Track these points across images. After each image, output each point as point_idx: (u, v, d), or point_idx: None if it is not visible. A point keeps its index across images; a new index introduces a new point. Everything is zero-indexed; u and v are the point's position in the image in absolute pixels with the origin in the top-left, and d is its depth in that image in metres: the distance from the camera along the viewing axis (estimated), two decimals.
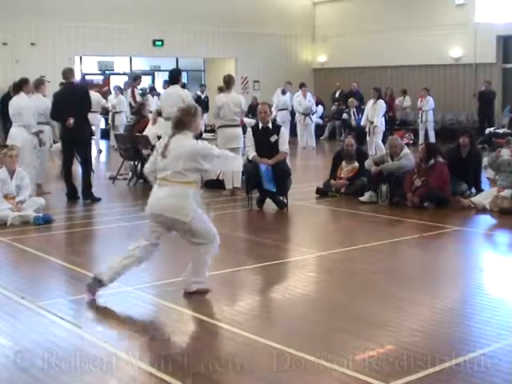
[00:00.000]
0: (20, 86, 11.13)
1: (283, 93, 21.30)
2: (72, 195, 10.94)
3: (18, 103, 10.95)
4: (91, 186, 10.98)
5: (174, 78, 11.70)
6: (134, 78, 19.94)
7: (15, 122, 11.00)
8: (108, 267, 5.78)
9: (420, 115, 20.26)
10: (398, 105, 22.21)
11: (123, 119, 18.13)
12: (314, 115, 21.17)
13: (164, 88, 18.86)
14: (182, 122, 5.75)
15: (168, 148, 5.71)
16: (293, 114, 20.79)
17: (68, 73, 11.09)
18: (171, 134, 5.82)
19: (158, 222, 5.76)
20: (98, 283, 5.72)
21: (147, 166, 6.00)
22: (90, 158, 11.36)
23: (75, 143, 10.86)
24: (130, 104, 18.70)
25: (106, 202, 10.86)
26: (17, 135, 10.87)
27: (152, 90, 20.56)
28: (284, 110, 20.41)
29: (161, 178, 5.72)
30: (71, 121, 10.53)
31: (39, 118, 11.15)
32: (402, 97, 22.39)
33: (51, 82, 12.31)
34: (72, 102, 10.62)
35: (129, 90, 19.37)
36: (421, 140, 18.91)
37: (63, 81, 11.21)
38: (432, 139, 19.02)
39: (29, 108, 10.84)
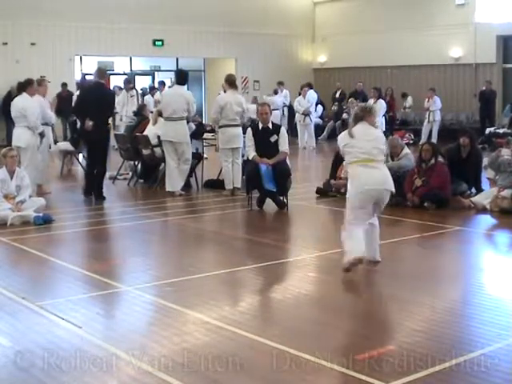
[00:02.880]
0: (24, 86, 11.08)
1: (275, 93, 21.33)
2: (89, 192, 11.04)
3: (21, 104, 10.88)
4: (102, 187, 11.09)
5: (182, 78, 11.67)
6: (126, 82, 19.82)
7: (18, 123, 10.91)
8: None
9: (427, 115, 20.24)
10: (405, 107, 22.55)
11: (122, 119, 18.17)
12: (313, 115, 21.16)
13: (160, 89, 18.85)
14: (359, 116, 6.65)
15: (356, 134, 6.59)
16: (293, 114, 20.80)
17: (101, 72, 11.29)
18: (353, 124, 6.70)
19: (370, 196, 6.51)
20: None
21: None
22: (106, 159, 11.39)
23: (93, 143, 10.99)
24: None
25: (106, 201, 10.86)
26: (20, 136, 10.81)
27: (152, 89, 20.54)
28: (275, 110, 20.37)
29: (368, 159, 6.50)
30: (90, 123, 10.66)
31: None
32: (405, 100, 22.60)
33: (51, 82, 12.28)
34: (96, 103, 10.74)
35: (121, 93, 19.25)
36: (423, 140, 18.89)
37: (81, 80, 11.23)
38: (435, 139, 19.01)
39: (33, 109, 10.82)
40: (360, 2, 24.97)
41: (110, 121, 19.33)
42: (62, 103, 17.78)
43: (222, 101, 11.31)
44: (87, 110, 10.86)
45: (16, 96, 11.26)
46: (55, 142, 12.36)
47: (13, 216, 8.86)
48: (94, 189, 11.00)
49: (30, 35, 21.14)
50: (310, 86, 21.30)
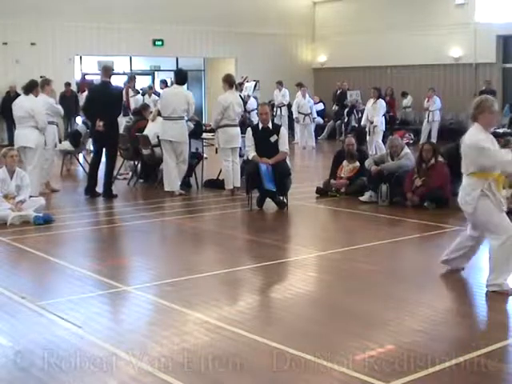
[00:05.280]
0: (31, 88, 11.09)
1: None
2: (91, 191, 11.11)
3: (29, 105, 10.84)
4: (112, 184, 11.24)
5: (183, 78, 11.66)
6: (129, 79, 19.84)
7: (24, 123, 10.83)
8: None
9: (427, 115, 20.30)
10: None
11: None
12: (313, 114, 21.13)
13: (161, 88, 18.82)
14: (472, 114, 5.92)
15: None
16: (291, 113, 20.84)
17: (106, 70, 11.33)
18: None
19: None
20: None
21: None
22: (116, 158, 11.48)
23: (105, 142, 11.07)
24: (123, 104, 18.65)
25: (106, 201, 10.87)
26: (28, 136, 10.78)
27: (151, 89, 20.49)
28: None
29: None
30: (101, 123, 10.77)
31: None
32: (404, 99, 22.62)
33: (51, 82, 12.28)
34: (104, 102, 10.82)
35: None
36: (423, 140, 18.88)
37: (99, 80, 11.32)
38: (434, 139, 19.01)
39: (41, 109, 10.87)
40: (360, 2, 24.96)
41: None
42: (66, 103, 17.80)
43: (225, 102, 11.25)
44: (96, 110, 10.91)
45: (17, 96, 11.27)
46: (60, 140, 12.38)
47: (13, 216, 8.86)
48: (95, 187, 11.07)
49: (30, 35, 21.14)
50: (301, 86, 21.21)
